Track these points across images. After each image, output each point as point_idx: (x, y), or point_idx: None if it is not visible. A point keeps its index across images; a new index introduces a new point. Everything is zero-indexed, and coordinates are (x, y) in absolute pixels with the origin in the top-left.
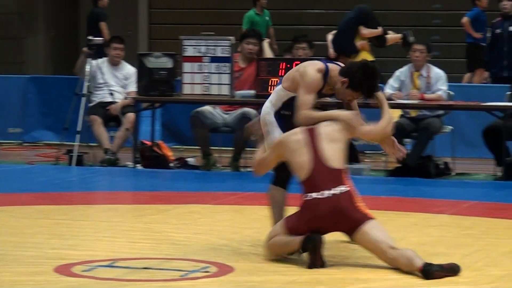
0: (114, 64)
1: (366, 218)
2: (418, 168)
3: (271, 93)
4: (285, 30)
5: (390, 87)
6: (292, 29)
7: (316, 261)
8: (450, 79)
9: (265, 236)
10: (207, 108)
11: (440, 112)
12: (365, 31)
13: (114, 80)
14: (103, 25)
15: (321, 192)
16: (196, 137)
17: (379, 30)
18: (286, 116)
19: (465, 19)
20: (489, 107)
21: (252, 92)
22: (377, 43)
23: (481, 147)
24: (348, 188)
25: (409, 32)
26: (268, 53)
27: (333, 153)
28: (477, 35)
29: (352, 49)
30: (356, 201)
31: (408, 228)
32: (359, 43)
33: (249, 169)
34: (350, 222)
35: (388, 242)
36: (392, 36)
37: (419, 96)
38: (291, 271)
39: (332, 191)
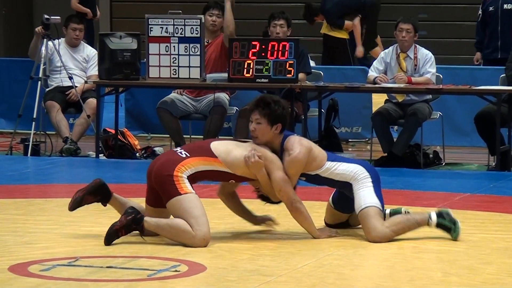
0: (73, 45)
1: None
2: (406, 157)
3: (245, 76)
4: (262, 8)
5: (374, 70)
6: (268, 7)
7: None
8: (438, 61)
9: (239, 232)
10: (174, 95)
11: (428, 96)
12: (354, 24)
13: (73, 63)
14: (72, 2)
15: None
16: (167, 129)
17: (362, 38)
18: None
19: None
20: (482, 91)
21: (225, 75)
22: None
23: (473, 134)
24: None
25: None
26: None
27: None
28: None
29: (339, 23)
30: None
31: None
32: (347, 21)
33: None
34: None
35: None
36: (375, 52)
37: (406, 80)
38: (269, 270)
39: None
